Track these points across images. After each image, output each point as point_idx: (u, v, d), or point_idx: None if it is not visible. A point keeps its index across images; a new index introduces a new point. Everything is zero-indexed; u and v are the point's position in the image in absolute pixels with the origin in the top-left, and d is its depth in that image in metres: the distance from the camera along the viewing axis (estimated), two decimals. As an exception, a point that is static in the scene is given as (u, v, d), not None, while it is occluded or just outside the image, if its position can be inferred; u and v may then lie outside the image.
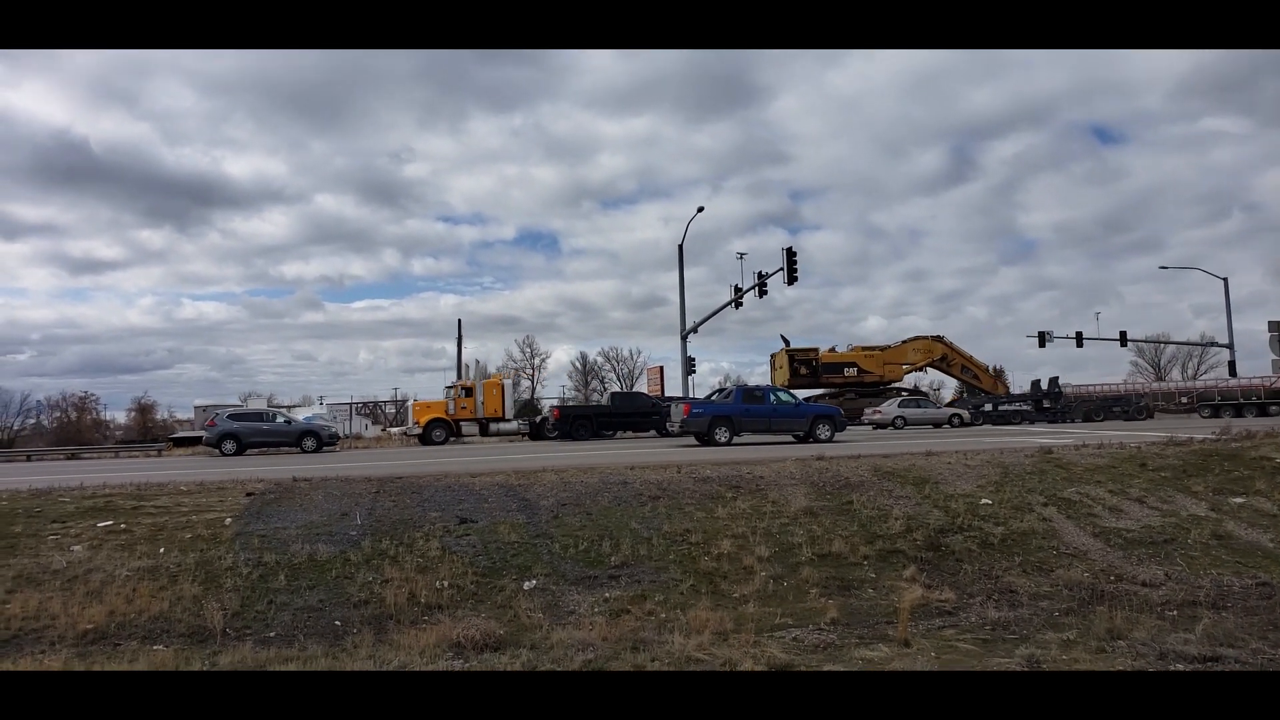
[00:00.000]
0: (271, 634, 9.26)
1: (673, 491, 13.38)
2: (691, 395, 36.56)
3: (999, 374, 47.94)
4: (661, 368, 46.99)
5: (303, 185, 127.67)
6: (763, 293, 37.92)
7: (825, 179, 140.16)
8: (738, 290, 39.02)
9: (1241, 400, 45.83)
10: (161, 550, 10.81)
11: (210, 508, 12.43)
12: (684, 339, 39.51)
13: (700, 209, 40.25)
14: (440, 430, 32.76)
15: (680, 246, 40.20)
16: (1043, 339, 54.52)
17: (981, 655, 8.67)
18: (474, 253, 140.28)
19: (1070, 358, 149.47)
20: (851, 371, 38.57)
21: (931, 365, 40.88)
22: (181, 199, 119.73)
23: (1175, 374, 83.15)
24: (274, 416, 30.47)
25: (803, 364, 38.47)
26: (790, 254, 35.65)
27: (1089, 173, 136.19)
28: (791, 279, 35.76)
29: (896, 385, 40.82)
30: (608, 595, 10.29)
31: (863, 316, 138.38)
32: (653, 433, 32.66)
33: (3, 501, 12.78)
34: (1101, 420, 37.14)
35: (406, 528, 11.69)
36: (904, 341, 41.00)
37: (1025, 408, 38.59)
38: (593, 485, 13.64)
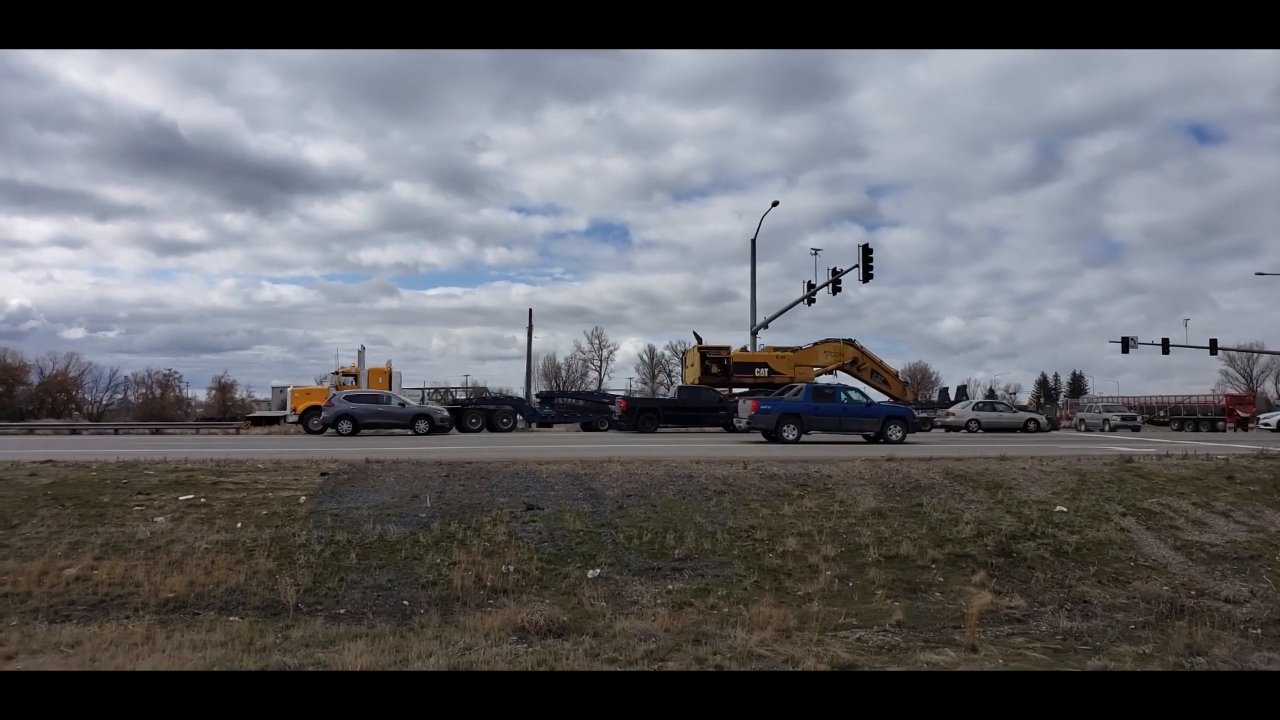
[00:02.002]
0: (342, 610, 9.52)
1: (738, 487, 13.32)
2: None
3: (907, 383, 47.06)
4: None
5: (380, 172, 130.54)
6: (836, 290, 37.50)
7: (905, 175, 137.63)
8: (811, 286, 38.68)
9: (1200, 415, 45.06)
10: (239, 525, 11.19)
11: (286, 485, 12.82)
12: (754, 334, 39.32)
13: (775, 203, 40.09)
14: (318, 418, 30.97)
15: (753, 241, 39.98)
16: (1126, 345, 52.80)
17: (1052, 664, 8.45)
18: (546, 243, 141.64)
19: (1155, 365, 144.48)
20: (763, 372, 37.92)
21: (842, 369, 40.27)
22: (263, 184, 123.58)
23: (1269, 385, 79.66)
24: (389, 399, 30.66)
25: (714, 362, 37.92)
26: (867, 251, 35.15)
27: (1184, 173, 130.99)
28: (867, 276, 35.28)
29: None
30: (671, 587, 10.30)
31: (939, 316, 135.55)
32: (719, 428, 32.55)
33: (92, 472, 13.38)
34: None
35: (474, 512, 11.88)
36: (815, 344, 40.45)
37: (933, 415, 37.71)
38: (658, 477, 13.66)
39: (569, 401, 38.94)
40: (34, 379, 69.96)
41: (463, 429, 31.67)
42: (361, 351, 33.49)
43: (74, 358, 74.42)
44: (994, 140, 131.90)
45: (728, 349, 38.65)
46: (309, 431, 30.71)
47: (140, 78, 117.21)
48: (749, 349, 39.53)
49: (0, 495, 11.87)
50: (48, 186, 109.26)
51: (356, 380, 32.93)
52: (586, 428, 34.39)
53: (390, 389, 32.56)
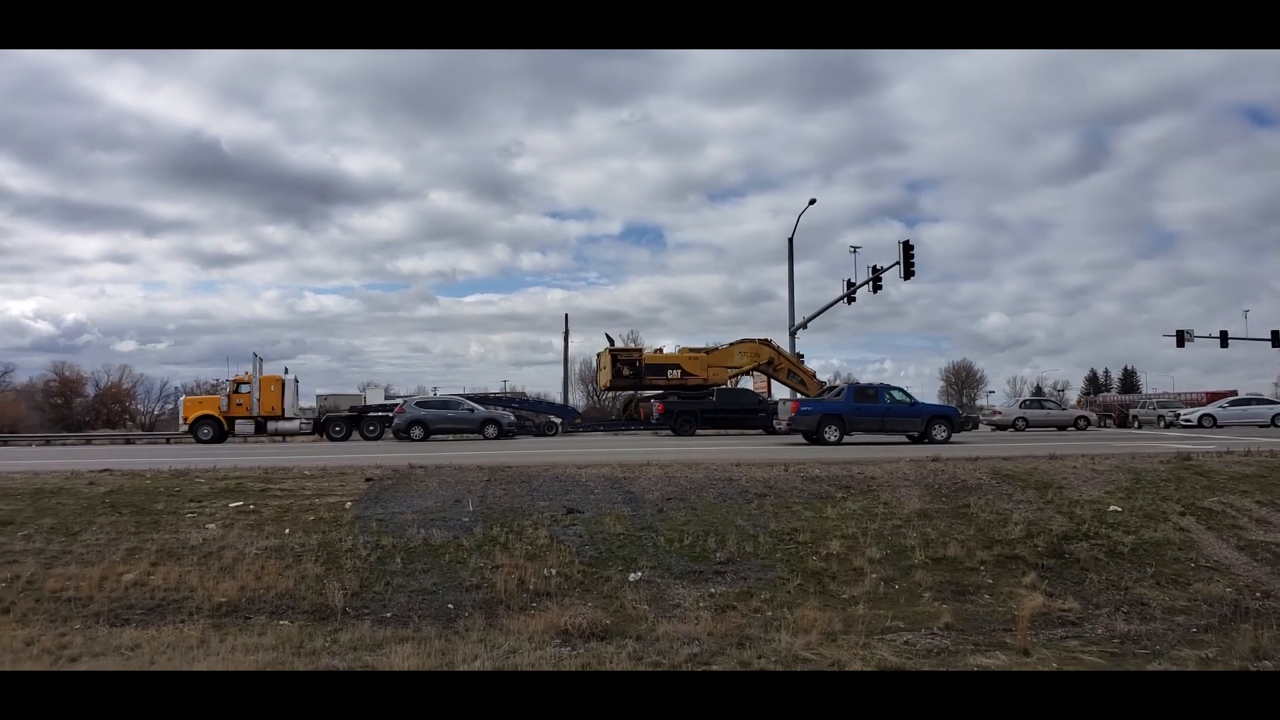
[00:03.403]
0: (388, 614, 9.63)
1: (780, 489, 13.23)
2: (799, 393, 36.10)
3: (824, 383, 46.34)
4: (768, 365, 46.50)
5: (417, 182, 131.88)
6: (877, 288, 37.09)
7: (945, 169, 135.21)
8: (850, 285, 38.28)
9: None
10: (287, 531, 11.38)
11: (331, 491, 13.01)
12: (792, 335, 39.03)
13: (812, 201, 39.65)
14: (208, 428, 30.80)
15: (790, 239, 39.70)
16: (1181, 338, 51.41)
17: (1109, 669, 8.25)
18: (580, 248, 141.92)
19: (1213, 359, 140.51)
20: (675, 374, 37.20)
21: (758, 369, 39.50)
22: (303, 196, 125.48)
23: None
24: (458, 405, 31.11)
25: (625, 364, 37.28)
26: (907, 247, 34.71)
27: (1241, 158, 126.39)
28: (908, 273, 34.82)
29: (708, 387, 39.74)
30: (713, 590, 10.26)
31: (983, 312, 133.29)
32: (759, 430, 32.36)
33: (147, 480, 13.71)
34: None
35: (516, 516, 11.95)
36: (731, 344, 39.77)
37: None
38: (697, 480, 13.62)
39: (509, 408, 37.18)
40: (90, 391, 71.96)
41: (364, 436, 31.28)
42: (256, 360, 33.52)
43: (126, 370, 76.34)
44: (1037, 130, 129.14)
45: (639, 351, 38.40)
46: (199, 441, 30.36)
47: (183, 94, 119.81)
48: (790, 349, 39.21)
49: (62, 503, 12.21)
50: (98, 204, 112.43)
51: (246, 390, 31.99)
52: (535, 435, 33.41)
53: (284, 398, 32.02)
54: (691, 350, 38.98)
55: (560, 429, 35.93)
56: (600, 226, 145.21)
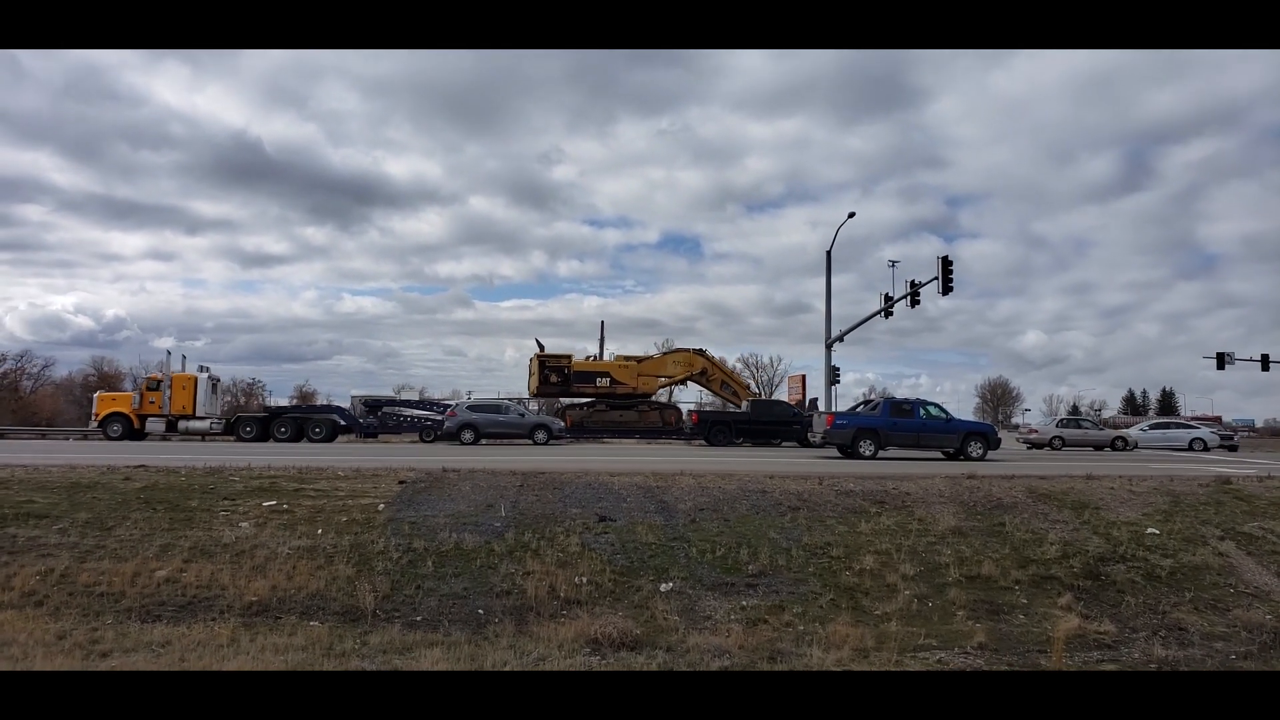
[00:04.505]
0: (418, 618, 9.63)
1: (813, 503, 13.11)
2: (834, 406, 35.79)
3: (758, 394, 45.35)
4: (804, 376, 46.00)
5: (457, 187, 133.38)
6: (915, 302, 36.67)
7: (985, 185, 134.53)
8: (888, 299, 37.89)
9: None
10: (319, 531, 11.45)
11: (365, 493, 13.08)
12: (829, 348, 38.71)
13: (852, 214, 39.28)
14: (117, 425, 30.99)
15: (829, 252, 39.39)
16: (1222, 360, 50.37)
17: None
18: (617, 255, 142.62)
19: (1254, 382, 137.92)
20: (604, 382, 36.67)
21: (691, 379, 39.03)
22: (344, 198, 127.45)
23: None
24: (509, 409, 31.22)
25: (554, 371, 36.79)
26: (946, 263, 34.32)
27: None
28: (946, 289, 34.40)
29: (651, 398, 38.98)
30: (744, 603, 10.17)
31: (1020, 330, 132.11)
32: (793, 443, 32.15)
33: (181, 477, 13.87)
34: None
35: (548, 522, 11.93)
36: (665, 353, 39.29)
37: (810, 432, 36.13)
38: (730, 492, 13.53)
39: (397, 411, 36.74)
40: (127, 387, 73.14)
41: (269, 437, 31.01)
42: (167, 358, 33.80)
43: (164, 366, 77.59)
44: (1079, 148, 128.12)
45: (568, 357, 37.98)
46: (108, 438, 30.48)
47: (228, 95, 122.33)
48: (826, 362, 38.91)
49: (97, 498, 12.38)
50: (142, 202, 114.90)
51: (157, 388, 32.32)
52: (424, 439, 32.93)
53: (197, 397, 32.09)
54: (626, 358, 38.67)
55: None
56: (638, 235, 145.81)
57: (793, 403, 39.88)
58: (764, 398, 46.69)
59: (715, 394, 40.49)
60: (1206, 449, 36.05)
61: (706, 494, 13.37)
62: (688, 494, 13.35)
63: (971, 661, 8.85)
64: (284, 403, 79.76)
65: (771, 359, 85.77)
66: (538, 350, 37.97)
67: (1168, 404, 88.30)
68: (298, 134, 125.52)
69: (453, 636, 8.99)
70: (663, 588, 10.45)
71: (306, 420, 32.15)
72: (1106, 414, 75.18)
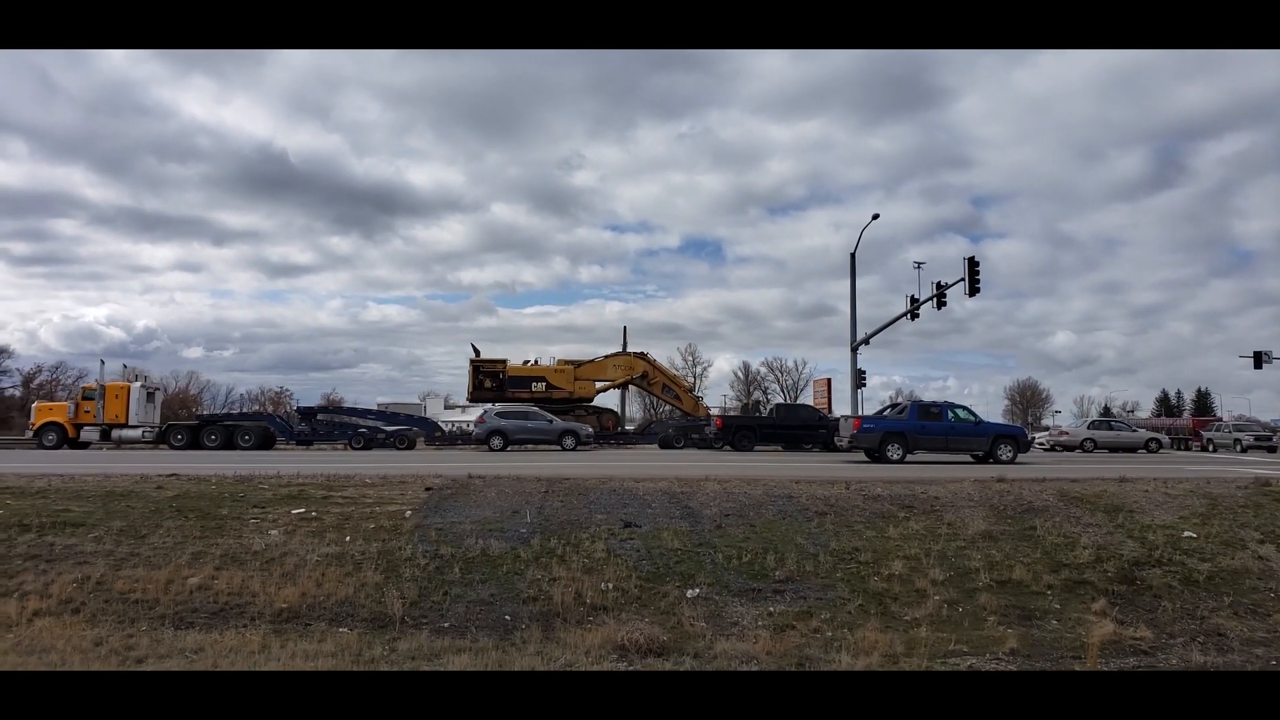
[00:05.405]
0: (446, 624, 9.67)
1: (841, 508, 13.01)
2: (860, 410, 35.53)
3: (699, 397, 44.63)
4: (829, 380, 45.77)
5: (479, 194, 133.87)
6: (941, 304, 36.35)
7: (1011, 184, 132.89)
8: (914, 301, 37.58)
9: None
10: (348, 538, 11.53)
11: (392, 500, 13.15)
12: (854, 351, 38.47)
13: (875, 216, 39.18)
14: (53, 434, 31.36)
15: (853, 254, 39.18)
16: (1259, 359, 49.39)
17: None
18: (639, 260, 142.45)
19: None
20: (540, 387, 36.14)
21: (632, 382, 38.49)
22: (367, 207, 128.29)
23: None
24: (537, 416, 31.59)
25: (488, 376, 36.26)
26: (972, 264, 33.98)
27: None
28: (973, 290, 34.06)
29: (589, 403, 38.38)
30: (772, 609, 10.10)
31: (1049, 331, 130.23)
32: (819, 447, 31.97)
33: (212, 486, 14.03)
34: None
35: (573, 528, 11.94)
36: (605, 356, 38.65)
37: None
38: (756, 497, 13.47)
39: (331, 418, 36.73)
40: (157, 399, 74.29)
41: (199, 446, 31.13)
42: (101, 367, 34.19)
43: (194, 376, 78.50)
44: (1107, 146, 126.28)
45: (504, 362, 37.50)
46: (43, 447, 30.77)
47: (253, 107, 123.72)
48: (851, 365, 38.66)
49: (131, 507, 12.55)
50: (170, 214, 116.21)
51: (92, 398, 32.68)
52: (365, 447, 32.68)
53: (130, 406, 32.47)
54: (564, 362, 38.42)
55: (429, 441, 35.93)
56: (659, 239, 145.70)
57: (818, 407, 39.66)
58: (789, 402, 46.43)
59: (657, 397, 40.38)
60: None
61: (732, 499, 13.32)
62: (713, 499, 13.29)
63: (1004, 668, 8.73)
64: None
65: (796, 363, 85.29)
66: (473, 355, 37.89)
67: (1203, 404, 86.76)
68: (322, 145, 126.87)
69: (480, 643, 9.02)
70: (689, 594, 10.41)
71: (236, 428, 32.61)
72: (1140, 415, 73.96)
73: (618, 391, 43.40)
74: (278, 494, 13.47)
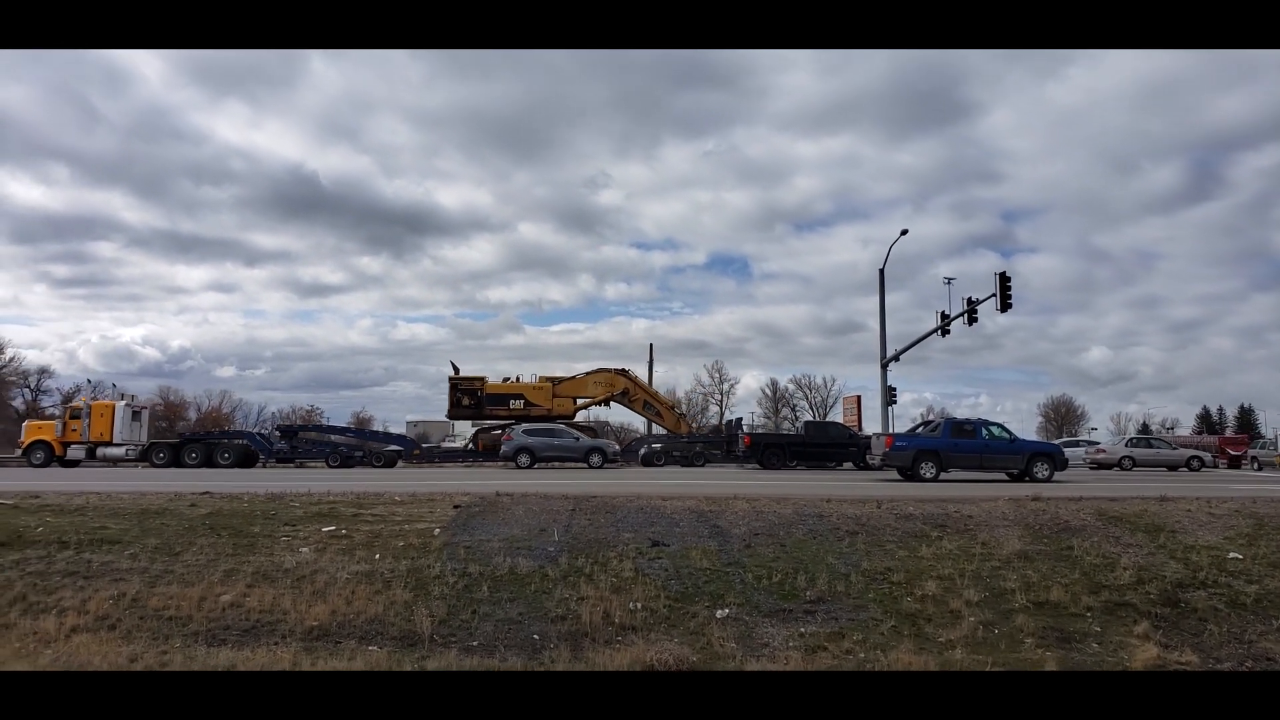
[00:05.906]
0: (474, 643, 9.64)
1: (872, 527, 12.83)
2: (891, 428, 35.18)
3: (682, 415, 43.66)
4: (859, 397, 45.25)
5: (506, 214, 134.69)
6: (972, 320, 35.97)
7: (1042, 198, 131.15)
8: (944, 317, 37.22)
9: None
10: (377, 556, 11.55)
11: (420, 518, 13.18)
12: (884, 367, 38.13)
13: (904, 231, 38.82)
14: (41, 452, 32.05)
15: (881, 270, 38.92)
16: (1301, 375, 48.52)
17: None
18: (665, 278, 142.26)
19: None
20: (518, 404, 35.71)
21: (613, 399, 37.83)
22: (397, 228, 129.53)
23: None
24: (564, 433, 31.89)
25: (465, 394, 35.94)
26: (1004, 279, 33.62)
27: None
28: (1005, 306, 33.68)
29: (569, 420, 37.76)
30: (803, 630, 9.96)
31: (1084, 347, 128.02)
32: (848, 465, 31.68)
33: (244, 503, 14.15)
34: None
35: (601, 547, 11.87)
36: (586, 373, 38.04)
37: (714, 452, 35.06)
38: (786, 516, 13.32)
39: (314, 436, 36.85)
40: (192, 415, 75.34)
41: (180, 464, 31.43)
42: (89, 386, 34.90)
43: (226, 395, 79.91)
44: (1142, 158, 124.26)
45: (482, 380, 37.22)
46: (31, 464, 31.49)
47: (285, 130, 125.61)
48: (881, 382, 38.30)
49: (165, 524, 12.69)
50: (204, 236, 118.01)
51: (78, 416, 33.13)
52: (343, 465, 32.79)
53: (115, 424, 32.92)
54: (544, 378, 38.16)
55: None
56: (685, 257, 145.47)
57: (848, 424, 39.33)
58: (818, 419, 46.01)
59: (639, 413, 40.08)
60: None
61: (761, 518, 13.19)
62: (742, 518, 13.17)
63: (1042, 692, 8.53)
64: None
65: (825, 380, 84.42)
66: (452, 373, 37.91)
67: (1246, 421, 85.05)
68: (352, 167, 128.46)
69: (509, 662, 8.98)
70: (718, 614, 10.30)
71: (216, 446, 33.02)
72: (1180, 433, 72.52)
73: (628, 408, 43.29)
74: (308, 512, 13.55)
